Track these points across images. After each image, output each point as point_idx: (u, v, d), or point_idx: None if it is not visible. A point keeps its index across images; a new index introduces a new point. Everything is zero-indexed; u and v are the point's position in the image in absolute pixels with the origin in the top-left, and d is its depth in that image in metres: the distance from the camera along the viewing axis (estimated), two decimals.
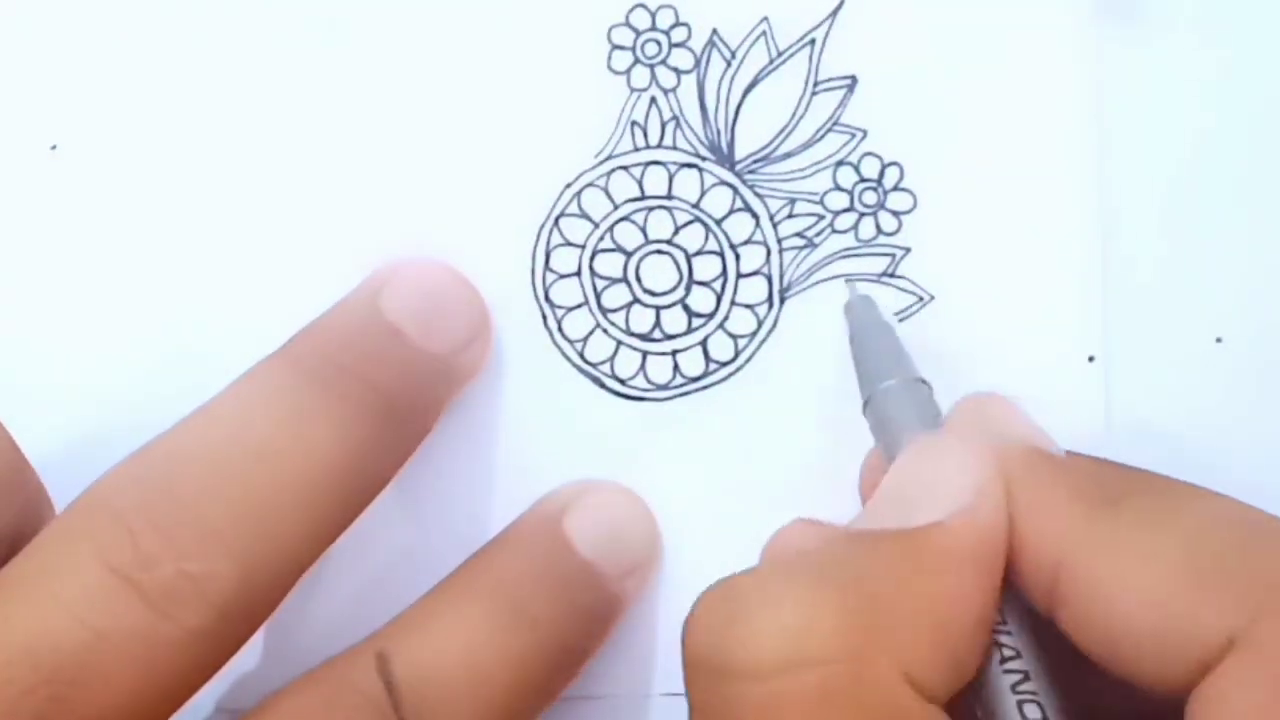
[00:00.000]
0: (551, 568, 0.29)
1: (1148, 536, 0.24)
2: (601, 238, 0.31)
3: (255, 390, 0.28)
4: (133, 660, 0.25)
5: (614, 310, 0.31)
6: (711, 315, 0.31)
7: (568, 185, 0.31)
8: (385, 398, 0.28)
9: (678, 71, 0.31)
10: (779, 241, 0.31)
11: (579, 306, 0.31)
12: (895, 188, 0.31)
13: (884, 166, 0.31)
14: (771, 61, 0.31)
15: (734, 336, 0.31)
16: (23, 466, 0.27)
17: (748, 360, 0.31)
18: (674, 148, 0.31)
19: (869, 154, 0.31)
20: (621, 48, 0.31)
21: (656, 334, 0.31)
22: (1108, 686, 0.24)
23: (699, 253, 0.31)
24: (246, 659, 0.30)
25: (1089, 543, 0.24)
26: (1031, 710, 0.24)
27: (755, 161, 0.31)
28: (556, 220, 0.31)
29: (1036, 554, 0.25)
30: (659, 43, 0.31)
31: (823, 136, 0.31)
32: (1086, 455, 0.26)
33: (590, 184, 0.31)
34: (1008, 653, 0.25)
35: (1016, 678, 0.24)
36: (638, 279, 0.31)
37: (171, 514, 0.25)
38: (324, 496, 0.27)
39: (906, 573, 0.24)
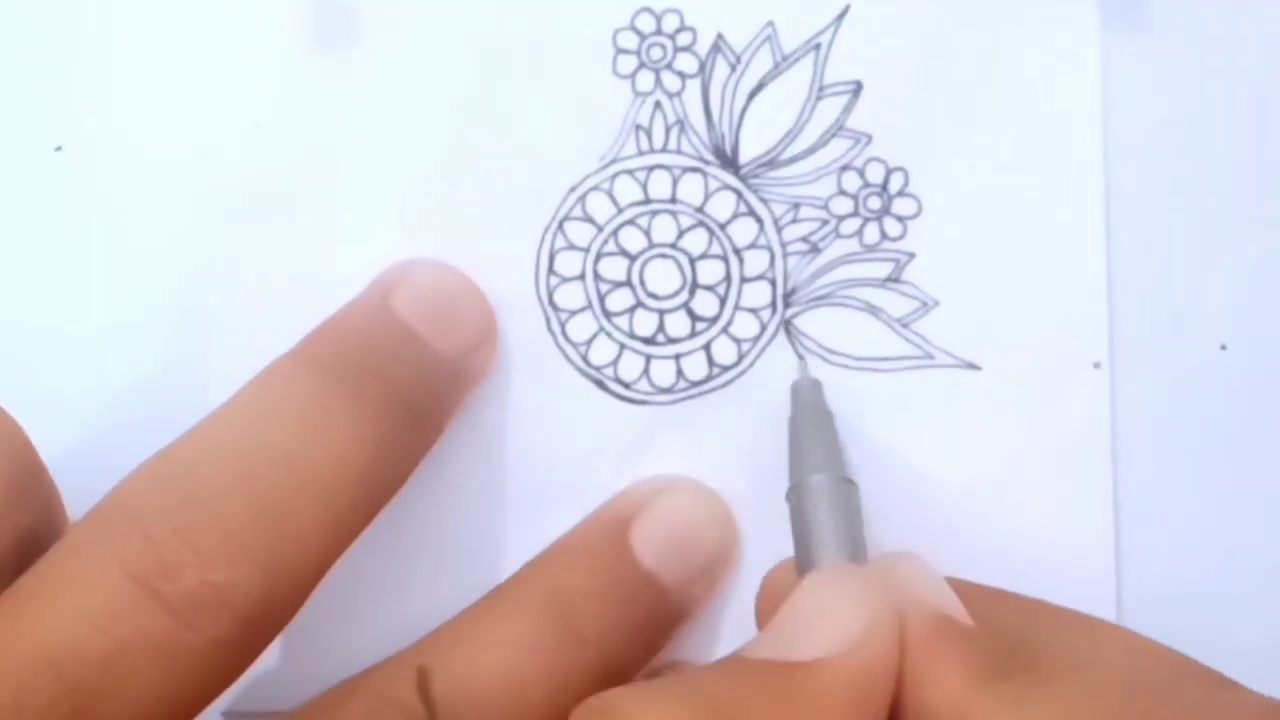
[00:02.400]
0: (610, 582, 0.29)
1: (1028, 711, 0.23)
2: (605, 241, 0.31)
3: (272, 391, 0.27)
4: (155, 670, 0.24)
5: (618, 314, 0.31)
6: (715, 319, 0.31)
7: (572, 189, 0.31)
8: (402, 397, 0.28)
9: (683, 76, 0.31)
10: (783, 246, 0.31)
11: (583, 310, 0.31)
12: (900, 193, 0.31)
13: (889, 172, 0.31)
14: (776, 66, 0.31)
15: (737, 340, 0.31)
16: (40, 469, 0.27)
17: (751, 364, 0.31)
18: (678, 152, 0.31)
19: (874, 159, 0.31)
20: (626, 52, 0.31)
21: (660, 338, 0.31)
22: None
23: (703, 257, 0.31)
24: (259, 662, 0.30)
25: (974, 714, 0.24)
26: None
27: (760, 166, 0.31)
28: (560, 224, 0.31)
29: (919, 717, 0.24)
30: (664, 47, 0.31)
31: (827, 141, 0.31)
32: (1002, 624, 0.26)
33: (594, 188, 0.31)
34: None
35: None
36: (641, 283, 0.31)
37: (193, 520, 0.25)
38: (344, 498, 0.27)
39: (783, 709, 0.23)
